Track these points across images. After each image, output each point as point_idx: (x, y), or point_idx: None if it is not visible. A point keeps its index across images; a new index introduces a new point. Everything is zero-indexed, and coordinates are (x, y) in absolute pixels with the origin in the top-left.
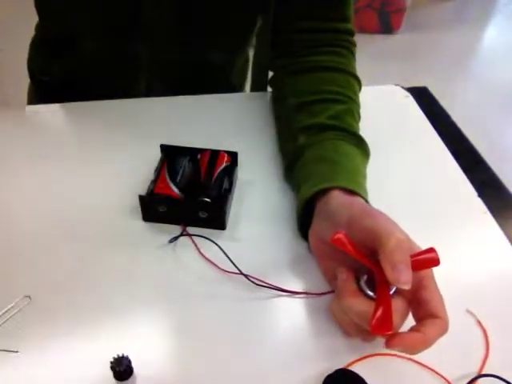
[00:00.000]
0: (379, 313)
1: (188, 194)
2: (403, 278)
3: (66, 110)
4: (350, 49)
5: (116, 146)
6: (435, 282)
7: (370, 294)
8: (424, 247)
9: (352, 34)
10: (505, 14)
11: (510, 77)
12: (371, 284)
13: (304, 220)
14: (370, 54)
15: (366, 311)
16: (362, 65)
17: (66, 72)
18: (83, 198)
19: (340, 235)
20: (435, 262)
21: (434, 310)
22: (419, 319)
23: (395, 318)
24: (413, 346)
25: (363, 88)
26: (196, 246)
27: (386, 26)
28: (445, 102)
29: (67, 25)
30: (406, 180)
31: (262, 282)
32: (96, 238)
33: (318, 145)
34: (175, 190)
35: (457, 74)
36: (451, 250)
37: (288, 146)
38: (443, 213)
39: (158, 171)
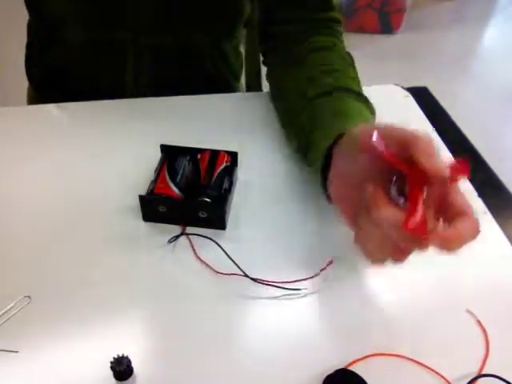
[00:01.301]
0: (415, 213)
1: (188, 194)
2: (440, 165)
3: (65, 110)
4: (336, 35)
5: (116, 145)
6: (458, 187)
7: (402, 201)
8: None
9: (339, 22)
10: (505, 14)
11: (510, 77)
12: (401, 194)
13: (323, 169)
14: (370, 54)
15: (399, 219)
16: (362, 65)
17: (56, 63)
18: (83, 198)
19: (373, 135)
20: (465, 170)
21: (461, 208)
22: (449, 221)
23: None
24: (448, 240)
25: (363, 88)
26: (193, 247)
27: (386, 26)
28: (445, 102)
29: (52, 13)
30: None
31: (263, 280)
32: (96, 238)
33: (329, 103)
34: (175, 190)
35: (457, 74)
36: None
37: (299, 119)
38: None
39: (158, 171)
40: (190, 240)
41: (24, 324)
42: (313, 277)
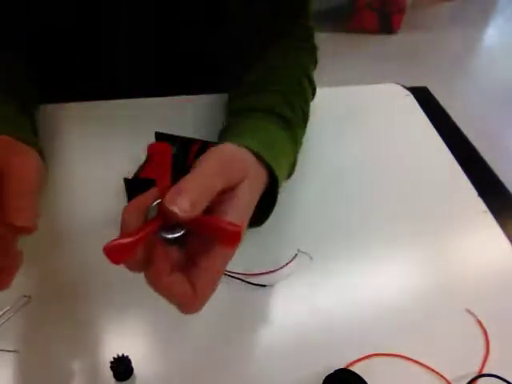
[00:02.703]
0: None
1: (173, 181)
2: (176, 200)
3: (65, 110)
4: (308, 49)
5: (116, 145)
6: (223, 260)
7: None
8: (425, 246)
9: (309, 30)
10: (504, 14)
11: (510, 77)
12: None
13: None
14: (370, 54)
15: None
16: (362, 65)
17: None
18: (82, 198)
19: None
20: (232, 238)
21: (196, 281)
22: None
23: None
24: (149, 276)
25: (364, 87)
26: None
27: (386, 26)
28: (445, 102)
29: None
30: (405, 179)
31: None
32: (96, 238)
33: (238, 125)
34: None
35: (457, 74)
36: (451, 249)
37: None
38: (443, 212)
39: (148, 157)
40: None
41: (24, 324)
42: (282, 267)
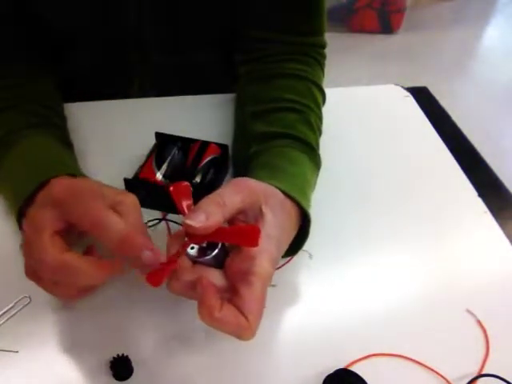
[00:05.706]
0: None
1: (171, 182)
2: (192, 215)
3: (65, 110)
4: (317, 59)
5: (116, 144)
6: (262, 286)
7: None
8: (425, 246)
9: (322, 46)
10: (505, 13)
11: (510, 77)
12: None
13: None
14: (370, 53)
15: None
16: (362, 65)
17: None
18: None
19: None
20: (253, 240)
21: (245, 310)
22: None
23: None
24: (201, 313)
25: (363, 88)
26: (170, 233)
27: (386, 26)
28: (445, 102)
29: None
30: (405, 180)
31: None
32: None
33: (265, 152)
34: (159, 176)
35: (457, 74)
36: (451, 249)
37: (240, 155)
38: (443, 213)
39: (148, 157)
40: (168, 227)
41: (24, 324)
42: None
